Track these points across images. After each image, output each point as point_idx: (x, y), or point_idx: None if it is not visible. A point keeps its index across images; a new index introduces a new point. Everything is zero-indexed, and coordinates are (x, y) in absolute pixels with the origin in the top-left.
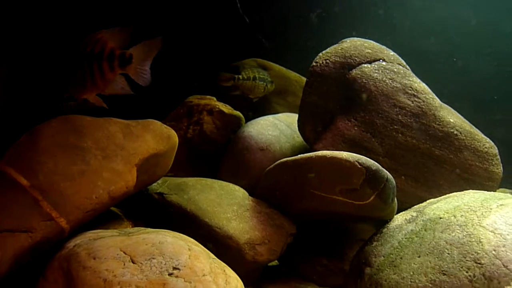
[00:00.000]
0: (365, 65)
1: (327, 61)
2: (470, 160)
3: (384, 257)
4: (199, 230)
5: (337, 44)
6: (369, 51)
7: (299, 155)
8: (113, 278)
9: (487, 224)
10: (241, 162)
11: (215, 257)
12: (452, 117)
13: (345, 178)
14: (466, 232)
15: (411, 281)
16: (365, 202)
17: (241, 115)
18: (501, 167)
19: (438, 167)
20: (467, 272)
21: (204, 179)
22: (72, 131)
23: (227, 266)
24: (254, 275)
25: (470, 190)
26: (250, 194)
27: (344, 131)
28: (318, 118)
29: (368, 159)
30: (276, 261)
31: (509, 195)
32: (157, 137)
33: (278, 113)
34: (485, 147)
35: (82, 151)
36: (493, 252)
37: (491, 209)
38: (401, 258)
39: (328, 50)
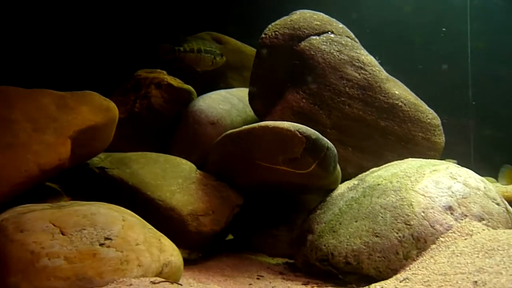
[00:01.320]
0: (314, 37)
1: (276, 33)
2: (414, 131)
3: (325, 223)
4: (141, 204)
5: (287, 16)
6: (318, 23)
7: (243, 127)
8: (41, 250)
9: (419, 188)
10: (192, 137)
11: (151, 227)
12: (397, 89)
13: (287, 148)
14: (400, 196)
15: (347, 244)
16: (306, 170)
17: (191, 89)
18: (443, 138)
19: (384, 138)
20: (397, 233)
21: (149, 153)
22: (2, 103)
23: (163, 235)
24: (200, 245)
25: (410, 158)
26: (201, 168)
27: (293, 104)
28: (268, 91)
29: (308, 128)
30: (231, 235)
31: (443, 161)
32: (95, 109)
33: (234, 88)
34: (428, 118)
35: (10, 123)
36: (422, 213)
37: (424, 174)
38: (340, 223)
39: (277, 22)
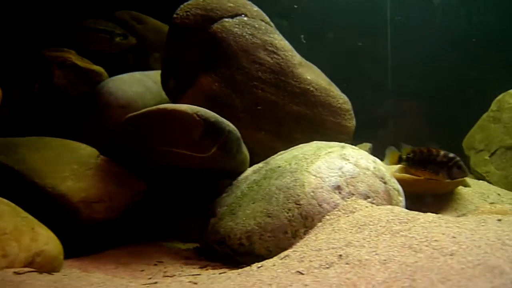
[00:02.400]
0: (227, 19)
1: (188, 13)
2: (325, 115)
3: (227, 206)
4: (30, 192)
5: None
6: (231, 5)
7: (142, 110)
8: None
9: (312, 169)
10: (100, 120)
11: (28, 215)
12: (310, 75)
13: (185, 131)
14: (294, 177)
15: (242, 226)
16: (207, 154)
17: (101, 70)
18: (354, 121)
19: (296, 122)
20: (287, 213)
21: (43, 138)
22: None
23: (40, 224)
24: (94, 234)
25: (314, 141)
26: (109, 154)
27: (205, 87)
28: (181, 74)
29: (208, 111)
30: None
31: (340, 144)
32: None
33: (155, 70)
34: (339, 103)
35: None
36: (312, 193)
37: (319, 156)
38: (239, 206)
39: (190, 1)
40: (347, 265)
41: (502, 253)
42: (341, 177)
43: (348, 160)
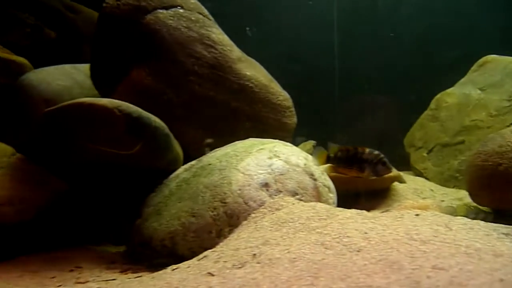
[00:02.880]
0: (161, 10)
1: (119, 2)
2: (264, 112)
3: (153, 206)
4: None
5: None
6: None
7: (60, 104)
8: None
9: (241, 167)
10: (21, 115)
11: None
12: (249, 70)
13: (106, 126)
14: (223, 175)
15: (165, 227)
16: (131, 151)
17: (24, 61)
18: (295, 119)
19: (235, 118)
20: (212, 212)
21: None
22: None
23: None
24: (3, 238)
25: (249, 139)
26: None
27: (137, 82)
28: (111, 67)
29: (130, 105)
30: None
31: (273, 141)
32: None
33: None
34: (279, 100)
35: None
36: (238, 191)
37: (250, 153)
38: (166, 205)
39: None
40: (257, 264)
41: (406, 248)
42: (270, 174)
43: (278, 157)
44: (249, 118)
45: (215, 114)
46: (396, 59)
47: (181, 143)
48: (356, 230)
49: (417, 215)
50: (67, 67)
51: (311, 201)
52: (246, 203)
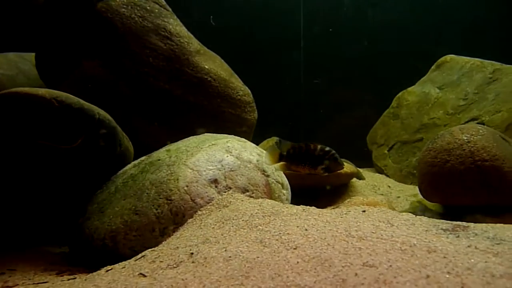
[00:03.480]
0: None
1: None
2: (223, 107)
3: (97, 204)
4: None
5: None
6: None
7: None
8: None
9: (190, 162)
10: None
11: None
12: (208, 64)
13: (44, 118)
14: (171, 171)
15: (108, 225)
16: (71, 146)
17: None
18: (256, 114)
19: (192, 113)
20: (157, 209)
21: None
22: None
23: None
24: None
25: (204, 134)
26: None
27: (89, 72)
28: (60, 56)
29: (71, 97)
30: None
31: (227, 136)
32: None
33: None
34: (239, 95)
35: None
36: (185, 188)
37: (201, 148)
38: (110, 203)
39: None
40: (192, 264)
41: (342, 245)
42: (220, 170)
43: (230, 152)
44: (207, 113)
45: (172, 108)
46: (362, 58)
47: (136, 137)
48: (297, 227)
49: (363, 211)
50: (12, 55)
51: (262, 197)
52: (193, 200)
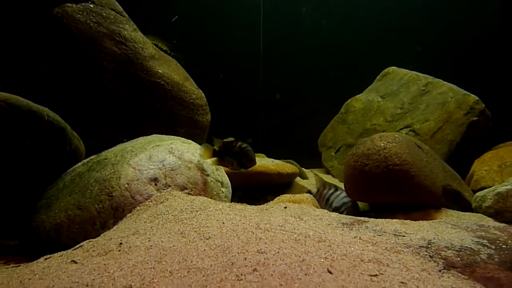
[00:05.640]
0: (70, 4)
1: None
2: (176, 110)
3: (46, 199)
4: None
5: None
6: None
7: None
8: None
9: (133, 162)
10: None
11: None
12: (162, 68)
13: None
14: (114, 169)
15: (53, 219)
16: (21, 145)
17: None
18: (209, 116)
19: (145, 115)
20: (98, 205)
21: None
22: None
23: None
24: None
25: (154, 135)
26: None
27: (42, 75)
28: (14, 59)
29: (21, 99)
30: None
31: (172, 137)
32: None
33: None
34: (192, 98)
35: None
36: (126, 185)
37: (146, 149)
38: (57, 199)
39: None
40: (118, 252)
41: (246, 236)
42: (161, 169)
43: (173, 153)
44: (160, 116)
45: (126, 110)
46: (320, 66)
47: (89, 137)
48: (217, 220)
49: (285, 207)
50: None
51: (200, 194)
52: (132, 197)
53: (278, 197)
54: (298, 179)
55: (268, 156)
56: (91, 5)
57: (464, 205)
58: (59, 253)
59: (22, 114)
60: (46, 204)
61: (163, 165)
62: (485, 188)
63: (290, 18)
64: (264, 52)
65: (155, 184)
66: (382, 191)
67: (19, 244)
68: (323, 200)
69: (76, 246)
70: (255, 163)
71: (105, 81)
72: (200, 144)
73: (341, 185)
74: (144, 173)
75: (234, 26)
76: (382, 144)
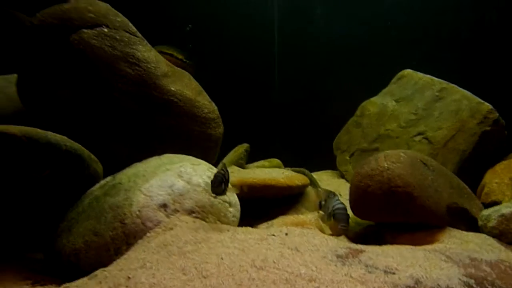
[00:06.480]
0: (85, 30)
1: (43, 22)
2: (190, 125)
3: (67, 222)
4: None
5: (58, 4)
6: (92, 15)
7: None
8: None
9: (144, 188)
10: None
11: None
12: (175, 86)
13: (17, 152)
14: (127, 196)
15: (72, 244)
16: (41, 175)
17: None
18: (221, 129)
19: (160, 132)
20: (112, 232)
21: None
22: None
23: None
24: None
25: (166, 154)
26: None
27: (61, 99)
28: (37, 83)
29: (40, 132)
30: None
31: (182, 159)
32: None
33: None
34: (204, 113)
35: None
36: (137, 212)
37: (156, 173)
38: (77, 222)
39: (47, 10)
40: (125, 287)
41: (240, 276)
42: (170, 195)
43: (182, 177)
44: (175, 132)
45: (141, 128)
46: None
47: (107, 155)
48: (216, 255)
49: (286, 234)
50: None
51: (207, 217)
52: (143, 224)
53: (282, 218)
54: (309, 188)
55: (282, 159)
56: (105, 29)
57: (471, 222)
58: (76, 282)
59: (41, 146)
60: (67, 228)
61: (172, 191)
62: (495, 202)
63: (305, 19)
64: (278, 54)
65: (165, 210)
66: (385, 212)
67: (44, 259)
68: (326, 208)
69: (91, 275)
70: (224, 193)
71: (120, 102)
72: (209, 156)
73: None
74: (154, 199)
75: (248, 27)
76: (386, 165)
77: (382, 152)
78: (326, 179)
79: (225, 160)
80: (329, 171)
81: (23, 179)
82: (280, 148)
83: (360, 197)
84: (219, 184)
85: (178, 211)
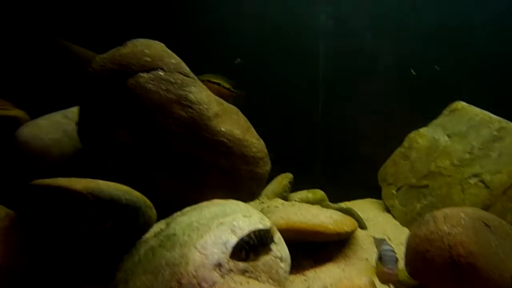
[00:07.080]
0: (142, 74)
1: (103, 68)
2: (238, 164)
3: (124, 272)
4: None
5: (116, 49)
6: (148, 59)
7: (40, 180)
8: None
9: (199, 245)
10: (16, 173)
11: None
12: (225, 126)
13: (81, 207)
14: (182, 252)
15: None
16: (103, 228)
17: (20, 114)
18: (268, 167)
19: (209, 171)
20: None
21: None
22: None
23: None
24: None
25: (216, 201)
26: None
27: (119, 142)
28: (96, 126)
29: (103, 189)
30: None
31: (235, 211)
32: None
33: None
34: (252, 152)
35: None
36: (194, 272)
37: (210, 228)
38: (133, 274)
39: (105, 55)
40: None
41: None
42: (224, 253)
43: (235, 232)
44: (223, 171)
45: (192, 168)
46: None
47: (160, 196)
48: None
49: None
50: (58, 116)
51: (260, 276)
52: (199, 284)
53: (332, 275)
54: (358, 230)
55: (325, 189)
56: (161, 73)
57: None
58: None
59: (104, 203)
60: (124, 279)
61: (226, 248)
62: None
63: (351, 47)
64: (323, 83)
65: (220, 270)
66: (445, 281)
67: None
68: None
69: None
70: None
71: (173, 143)
72: (256, 193)
73: (400, 234)
74: (210, 258)
75: (293, 58)
76: (446, 229)
77: (440, 210)
78: (370, 212)
79: (269, 191)
80: (371, 199)
81: (86, 231)
82: (322, 180)
83: (419, 262)
84: None
85: (232, 270)
